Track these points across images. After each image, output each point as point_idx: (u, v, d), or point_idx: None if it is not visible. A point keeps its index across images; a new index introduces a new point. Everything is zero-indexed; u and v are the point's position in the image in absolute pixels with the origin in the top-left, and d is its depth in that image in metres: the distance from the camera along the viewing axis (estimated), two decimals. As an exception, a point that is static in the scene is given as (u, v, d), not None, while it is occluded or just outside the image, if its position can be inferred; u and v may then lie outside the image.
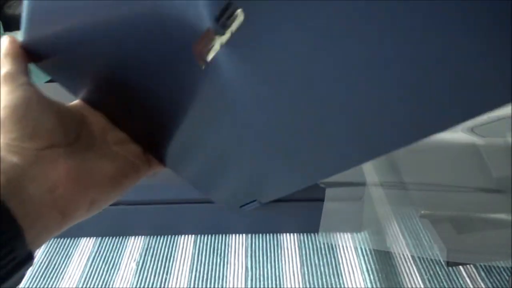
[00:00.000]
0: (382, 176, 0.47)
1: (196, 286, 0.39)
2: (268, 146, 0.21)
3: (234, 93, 0.18)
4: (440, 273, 0.39)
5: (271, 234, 0.44)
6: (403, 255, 0.41)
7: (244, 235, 0.44)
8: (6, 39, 0.21)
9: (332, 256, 0.41)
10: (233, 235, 0.44)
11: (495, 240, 0.39)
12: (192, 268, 0.41)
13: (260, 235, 0.44)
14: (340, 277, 0.39)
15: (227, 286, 0.38)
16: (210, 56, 0.17)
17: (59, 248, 0.44)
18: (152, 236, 0.44)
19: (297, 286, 0.38)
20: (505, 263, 0.39)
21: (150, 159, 0.27)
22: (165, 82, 0.20)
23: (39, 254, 0.43)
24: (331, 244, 0.42)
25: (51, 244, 0.44)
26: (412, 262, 0.40)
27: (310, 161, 0.20)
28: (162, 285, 0.39)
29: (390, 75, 0.13)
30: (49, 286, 0.40)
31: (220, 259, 0.41)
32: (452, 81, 0.13)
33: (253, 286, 0.38)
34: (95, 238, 0.45)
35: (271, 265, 0.40)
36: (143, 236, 0.45)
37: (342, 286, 0.38)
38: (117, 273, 0.40)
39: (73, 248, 0.44)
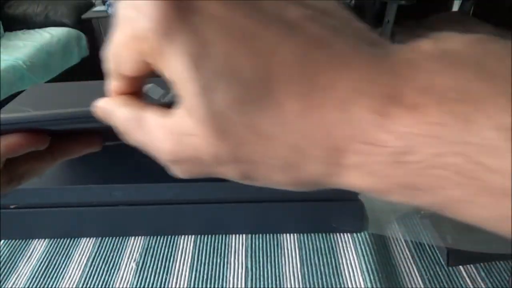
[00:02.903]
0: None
1: (196, 286, 0.39)
2: None
3: None
4: (440, 273, 0.39)
5: (271, 234, 0.44)
6: (403, 255, 0.41)
7: (244, 235, 0.44)
8: None
9: (332, 256, 0.41)
10: (233, 235, 0.44)
11: (495, 240, 0.39)
12: (192, 268, 0.41)
13: (260, 235, 0.44)
14: (340, 277, 0.39)
15: (227, 286, 0.38)
16: None
17: (59, 248, 0.44)
18: (152, 236, 0.44)
19: (297, 286, 0.38)
20: (505, 263, 0.39)
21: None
22: None
23: (39, 254, 0.43)
24: (331, 244, 0.42)
25: (51, 244, 0.44)
26: (412, 262, 0.40)
27: None
28: (162, 285, 0.39)
29: None
30: (49, 286, 0.40)
31: (220, 259, 0.41)
32: None
33: (253, 286, 0.38)
34: (95, 238, 0.45)
35: (271, 265, 0.40)
36: (143, 236, 0.45)
37: (342, 286, 0.38)
38: (117, 273, 0.40)
39: (73, 248, 0.44)
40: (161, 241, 0.44)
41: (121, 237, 0.45)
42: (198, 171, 0.15)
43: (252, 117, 0.12)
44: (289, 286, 0.38)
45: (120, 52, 0.14)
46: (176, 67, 0.12)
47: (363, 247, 0.41)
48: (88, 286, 0.39)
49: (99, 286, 0.39)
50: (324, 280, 0.38)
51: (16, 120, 0.20)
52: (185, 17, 0.12)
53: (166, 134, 0.14)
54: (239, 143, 0.13)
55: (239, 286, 0.38)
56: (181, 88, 0.13)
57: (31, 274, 0.41)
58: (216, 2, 0.12)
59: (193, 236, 0.44)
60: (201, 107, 0.12)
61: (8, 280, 0.40)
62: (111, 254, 0.43)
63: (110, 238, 0.45)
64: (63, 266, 0.42)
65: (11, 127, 0.21)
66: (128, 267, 0.41)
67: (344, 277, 0.39)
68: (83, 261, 0.42)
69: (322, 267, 0.40)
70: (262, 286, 0.38)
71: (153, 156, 0.15)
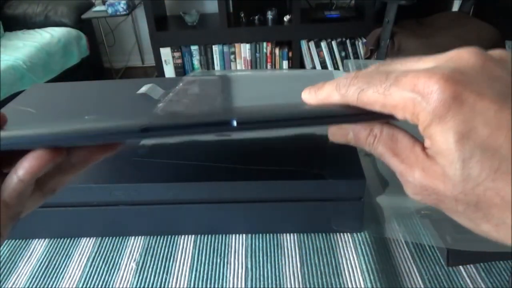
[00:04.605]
0: (383, 174, 0.47)
1: (196, 286, 0.39)
2: None
3: None
4: (440, 273, 0.39)
5: (271, 234, 0.44)
6: (403, 255, 0.41)
7: (244, 235, 0.44)
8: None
9: (332, 256, 0.41)
10: (233, 235, 0.44)
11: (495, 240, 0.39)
12: (192, 268, 0.41)
13: (260, 235, 0.44)
14: (340, 277, 0.39)
15: (227, 286, 0.38)
16: None
17: (59, 248, 0.44)
18: (152, 236, 0.44)
19: (297, 286, 0.38)
20: (505, 263, 0.39)
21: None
22: None
23: (39, 254, 0.43)
24: (331, 244, 0.42)
25: (51, 244, 0.44)
26: (412, 262, 0.40)
27: None
28: (162, 285, 0.39)
29: None
30: (49, 286, 0.40)
31: (220, 259, 0.41)
32: None
33: (253, 286, 0.38)
34: (95, 238, 0.45)
35: (271, 265, 0.40)
36: (143, 236, 0.45)
37: (342, 286, 0.38)
38: (117, 273, 0.41)
39: (73, 248, 0.44)
40: (161, 241, 0.44)
41: (121, 237, 0.45)
42: (429, 200, 0.18)
43: (500, 184, 0.15)
44: (289, 286, 0.38)
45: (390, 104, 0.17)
46: (442, 141, 0.16)
47: (363, 247, 0.41)
48: (88, 286, 0.39)
49: (99, 286, 0.39)
50: (324, 280, 0.38)
51: (31, 139, 0.20)
52: (458, 109, 0.15)
53: (422, 172, 0.18)
54: (481, 200, 0.16)
55: (239, 286, 0.38)
56: (443, 154, 0.16)
57: (31, 274, 0.41)
58: (481, 100, 0.15)
59: (193, 236, 0.44)
60: (458, 174, 0.16)
61: (8, 280, 0.40)
62: (111, 254, 0.43)
63: (110, 238, 0.45)
64: (63, 266, 0.42)
65: (27, 147, 0.21)
66: (128, 267, 0.41)
67: (344, 277, 0.39)
68: (83, 261, 0.42)
69: (322, 267, 0.40)
70: (262, 286, 0.38)
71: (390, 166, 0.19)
